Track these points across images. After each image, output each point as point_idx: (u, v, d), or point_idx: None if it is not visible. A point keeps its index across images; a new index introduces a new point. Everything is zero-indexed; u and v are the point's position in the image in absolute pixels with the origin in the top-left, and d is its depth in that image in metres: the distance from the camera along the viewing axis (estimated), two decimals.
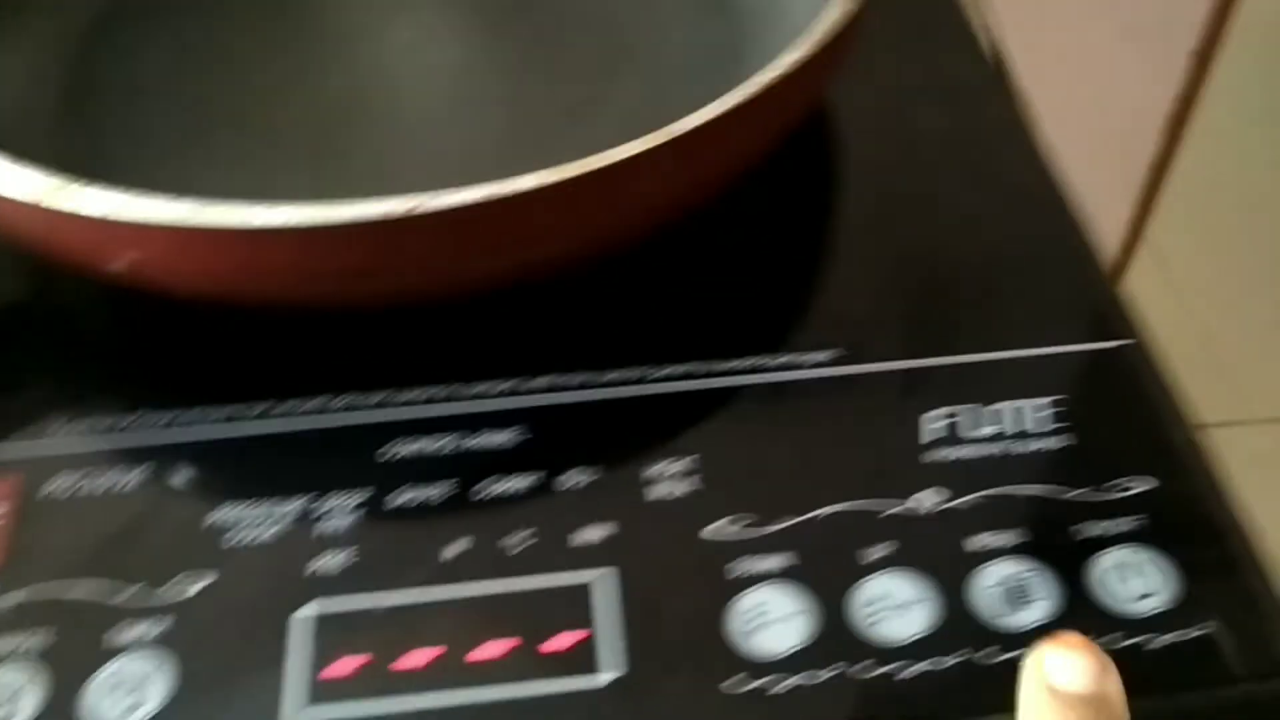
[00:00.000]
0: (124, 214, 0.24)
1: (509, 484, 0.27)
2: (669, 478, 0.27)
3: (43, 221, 0.25)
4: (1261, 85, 0.86)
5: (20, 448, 0.28)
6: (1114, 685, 0.22)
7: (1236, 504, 0.27)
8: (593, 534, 0.26)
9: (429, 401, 0.29)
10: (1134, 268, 1.02)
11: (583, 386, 0.29)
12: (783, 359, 0.30)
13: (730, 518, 0.26)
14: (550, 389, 0.29)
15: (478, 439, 0.28)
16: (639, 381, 0.30)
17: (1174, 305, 1.07)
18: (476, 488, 0.27)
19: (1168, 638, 0.24)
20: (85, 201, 0.25)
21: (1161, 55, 0.84)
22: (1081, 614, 0.25)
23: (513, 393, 0.29)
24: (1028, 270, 0.33)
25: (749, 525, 0.26)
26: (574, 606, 0.25)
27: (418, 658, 0.24)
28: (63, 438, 0.28)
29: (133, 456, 0.28)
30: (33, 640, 0.25)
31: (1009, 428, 0.28)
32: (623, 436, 0.28)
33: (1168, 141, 0.91)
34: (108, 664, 0.24)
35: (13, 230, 0.28)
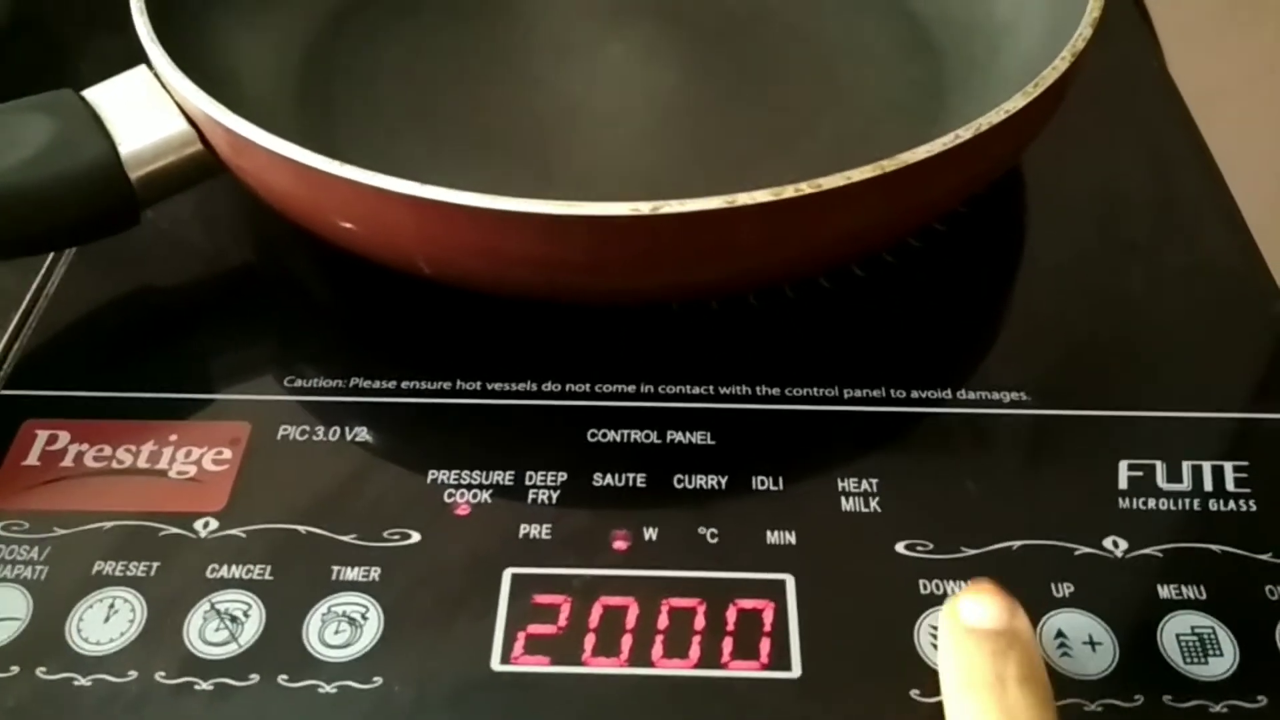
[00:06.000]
0: (385, 185, 0.27)
1: (701, 480, 0.28)
2: (858, 494, 0.28)
3: (316, 184, 0.28)
4: None
5: (252, 396, 0.31)
6: (1023, 623, 0.23)
7: None
8: (782, 536, 0.27)
9: (629, 397, 0.30)
10: None
11: (774, 400, 0.30)
12: (973, 395, 0.31)
13: (918, 539, 0.27)
14: (743, 399, 0.30)
15: (673, 435, 0.29)
16: (830, 401, 0.30)
17: None
18: (671, 480, 0.28)
19: None
20: (350, 170, 0.27)
21: None
22: (1266, 671, 0.25)
23: (708, 398, 0.30)
24: (1222, 335, 0.33)
25: (936, 548, 0.27)
26: (766, 599, 0.26)
27: (612, 628, 0.25)
28: (292, 392, 0.31)
29: (356, 414, 0.30)
30: (256, 571, 0.27)
31: (1200, 485, 0.28)
32: (811, 449, 0.29)
33: None
34: (325, 599, 0.26)
35: (277, 190, 0.30)
